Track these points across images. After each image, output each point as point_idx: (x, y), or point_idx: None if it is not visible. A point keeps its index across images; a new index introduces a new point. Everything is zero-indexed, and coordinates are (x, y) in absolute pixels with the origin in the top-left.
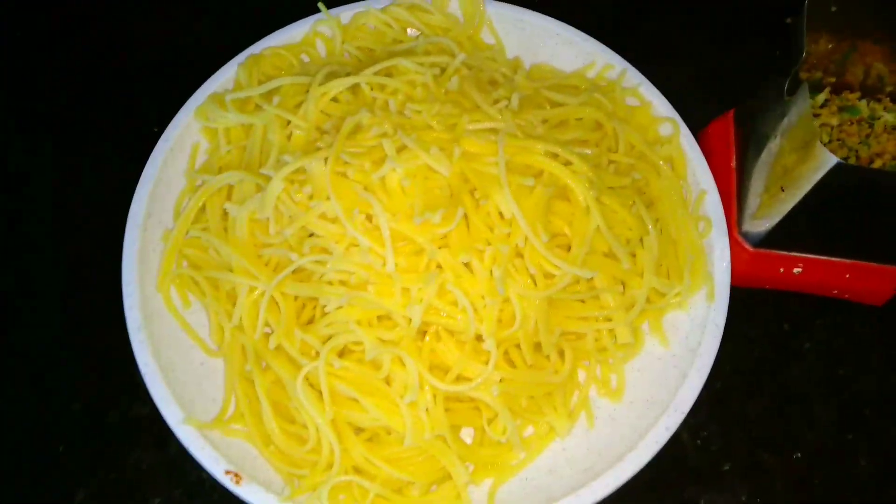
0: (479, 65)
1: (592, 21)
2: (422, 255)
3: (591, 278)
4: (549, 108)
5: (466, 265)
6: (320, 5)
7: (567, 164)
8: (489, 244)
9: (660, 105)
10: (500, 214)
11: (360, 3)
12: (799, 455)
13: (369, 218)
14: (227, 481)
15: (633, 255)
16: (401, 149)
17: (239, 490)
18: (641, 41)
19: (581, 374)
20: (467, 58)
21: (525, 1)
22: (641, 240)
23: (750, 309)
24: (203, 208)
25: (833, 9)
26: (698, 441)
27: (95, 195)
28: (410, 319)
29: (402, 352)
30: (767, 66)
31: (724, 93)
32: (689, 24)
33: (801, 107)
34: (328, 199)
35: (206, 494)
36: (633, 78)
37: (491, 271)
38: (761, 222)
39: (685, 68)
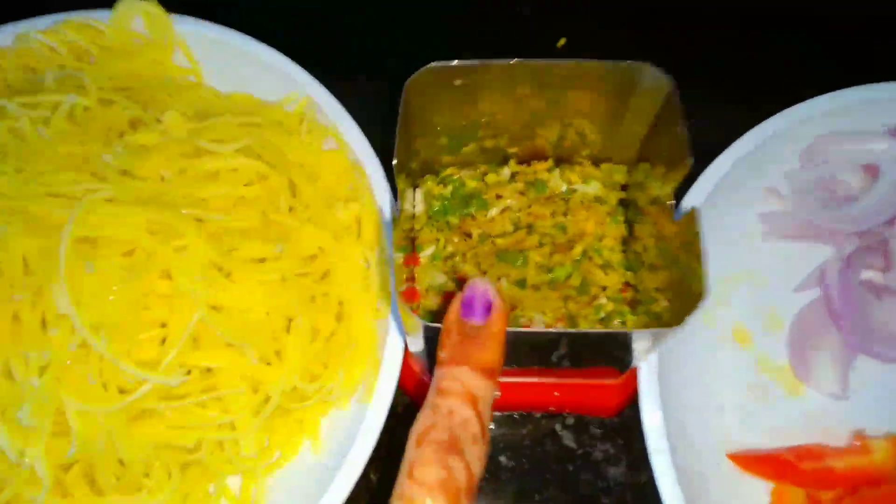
0: (122, 102)
1: None
2: None
3: (211, 377)
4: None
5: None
6: None
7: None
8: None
9: (360, 149)
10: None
11: (28, 20)
12: None
13: None
14: None
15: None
16: None
17: None
18: None
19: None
20: (101, 93)
21: None
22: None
23: None
24: None
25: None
26: None
27: None
28: None
29: None
30: None
31: None
32: None
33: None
34: None
35: None
36: (333, 113)
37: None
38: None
39: None
